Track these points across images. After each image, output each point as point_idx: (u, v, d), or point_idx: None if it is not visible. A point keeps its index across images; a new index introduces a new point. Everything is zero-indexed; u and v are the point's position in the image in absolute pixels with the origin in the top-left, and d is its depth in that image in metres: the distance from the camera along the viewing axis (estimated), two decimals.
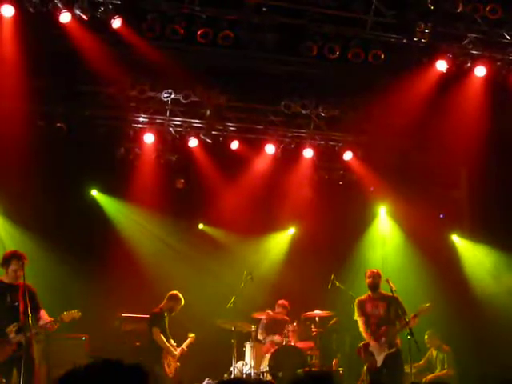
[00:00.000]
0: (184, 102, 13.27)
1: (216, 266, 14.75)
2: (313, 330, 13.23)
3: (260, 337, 13.38)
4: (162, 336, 11.65)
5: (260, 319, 13.53)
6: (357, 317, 10.77)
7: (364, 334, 10.62)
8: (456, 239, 15.90)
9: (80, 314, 9.55)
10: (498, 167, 14.46)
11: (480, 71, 12.57)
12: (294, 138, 14.81)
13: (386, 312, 10.54)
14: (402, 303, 10.59)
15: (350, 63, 12.03)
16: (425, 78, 12.69)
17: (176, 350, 11.94)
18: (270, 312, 13.49)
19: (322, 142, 14.98)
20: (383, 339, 10.36)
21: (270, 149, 14.63)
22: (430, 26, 11.84)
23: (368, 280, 10.78)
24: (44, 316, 9.52)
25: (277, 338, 13.12)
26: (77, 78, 12.49)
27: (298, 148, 14.91)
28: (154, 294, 12.83)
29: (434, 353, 13.52)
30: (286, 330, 12.99)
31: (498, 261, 14.66)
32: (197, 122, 14.05)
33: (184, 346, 12.18)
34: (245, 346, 12.98)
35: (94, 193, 14.81)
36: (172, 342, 11.91)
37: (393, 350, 10.37)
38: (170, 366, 11.66)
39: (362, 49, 11.97)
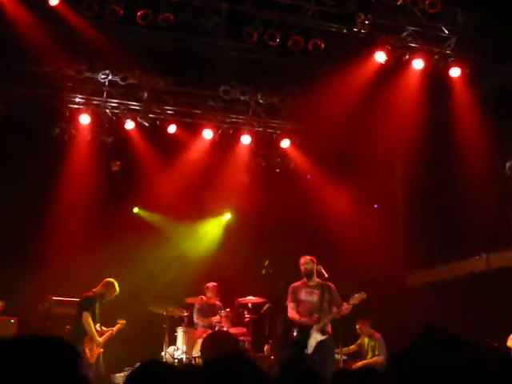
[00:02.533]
0: (122, 83, 13.16)
1: (150, 251, 14.64)
2: (246, 315, 13.25)
3: (195, 321, 13.33)
4: (90, 321, 11.48)
5: (193, 304, 13.48)
6: (288, 302, 10.78)
7: (293, 317, 10.62)
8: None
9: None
10: (432, 159, 14.66)
11: (418, 64, 12.73)
12: (232, 124, 14.81)
13: (320, 299, 10.58)
14: (337, 291, 10.66)
15: (290, 51, 12.05)
16: (364, 68, 12.80)
17: (102, 336, 11.75)
18: (204, 297, 13.46)
19: (260, 129, 15.01)
20: (315, 326, 10.42)
21: (207, 134, 14.59)
22: (370, 18, 11.93)
23: (303, 267, 10.79)
24: None
25: (210, 322, 13.08)
26: (11, 56, 12.21)
27: (236, 134, 14.91)
28: (86, 277, 12.65)
29: (366, 340, 13.67)
30: (218, 316, 12.97)
31: (429, 251, 14.88)
32: (134, 105, 13.93)
33: (111, 330, 11.97)
34: (177, 331, 12.92)
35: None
36: (98, 327, 11.71)
37: (324, 337, 10.44)
38: (92, 352, 11.46)
39: (302, 37, 12.00)
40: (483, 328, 11.59)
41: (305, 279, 10.77)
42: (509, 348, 11.12)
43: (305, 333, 10.45)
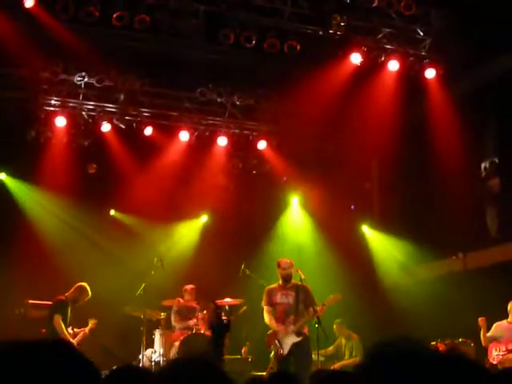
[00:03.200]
0: (98, 85, 13.10)
1: (127, 253, 14.59)
2: (223, 317, 13.22)
3: (173, 324, 13.30)
4: (62, 324, 11.42)
5: (170, 307, 13.45)
6: (264, 305, 10.77)
7: (268, 322, 10.63)
8: (366, 230, 16.13)
9: None
10: (408, 160, 14.74)
11: (393, 65, 12.80)
12: (209, 126, 14.80)
13: (295, 301, 10.57)
14: (312, 293, 10.67)
15: (267, 53, 12.07)
16: (339, 70, 12.85)
17: (74, 339, 11.68)
18: (181, 300, 13.44)
19: (237, 131, 15.01)
20: (291, 327, 10.42)
21: (183, 136, 14.57)
22: (345, 19, 12.00)
23: (282, 271, 10.73)
24: None
25: (188, 324, 13.07)
26: None
27: (213, 136, 14.90)
28: (62, 280, 12.58)
29: (343, 341, 13.72)
30: (195, 318, 12.96)
31: (406, 252, 14.95)
32: (110, 107, 13.89)
33: (84, 331, 11.90)
34: (154, 334, 12.89)
35: (2, 176, 14.44)
36: (69, 330, 11.65)
37: (300, 338, 10.44)
38: None
39: (278, 39, 12.03)
40: (459, 327, 11.67)
41: (282, 282, 10.76)
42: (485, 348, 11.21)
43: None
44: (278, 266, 10.78)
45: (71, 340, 11.43)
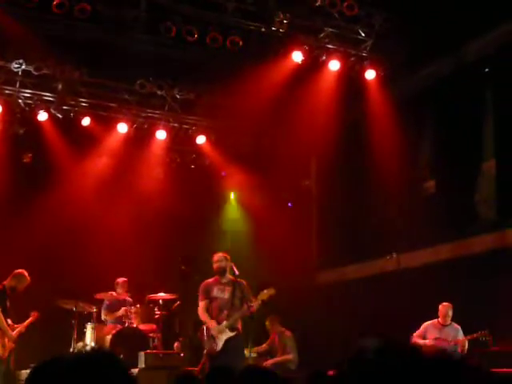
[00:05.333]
0: (35, 73, 12.84)
1: (61, 244, 14.37)
2: (156, 312, 13.17)
3: (103, 317, 13.18)
4: (1, 315, 11.21)
5: (102, 300, 13.31)
6: (200, 300, 10.72)
7: (202, 317, 10.58)
8: None
9: None
10: (346, 159, 14.87)
11: (334, 65, 12.88)
12: (148, 119, 14.69)
13: (231, 296, 10.55)
14: (248, 289, 10.66)
15: (208, 47, 12.04)
16: (281, 67, 12.89)
17: (13, 331, 11.52)
18: (114, 293, 13.31)
19: (176, 125, 14.93)
20: (225, 323, 10.41)
21: (122, 128, 14.41)
22: (288, 17, 12.02)
23: (216, 264, 10.71)
24: None
25: (117, 317, 12.95)
26: None
27: (151, 129, 14.80)
28: None
29: (277, 337, 13.76)
30: (128, 312, 12.85)
31: (341, 250, 15.09)
32: (48, 96, 13.65)
33: (24, 324, 11.75)
34: (86, 327, 12.73)
35: None
36: (10, 321, 11.48)
37: (233, 333, 10.43)
38: (5, 347, 11.21)
39: (220, 34, 12.01)
40: (391, 325, 11.80)
41: (217, 276, 10.72)
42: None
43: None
44: (213, 259, 10.76)
45: (10, 333, 11.22)
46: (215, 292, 10.61)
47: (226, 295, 10.56)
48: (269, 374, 4.58)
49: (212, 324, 10.40)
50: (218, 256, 10.76)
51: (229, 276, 10.70)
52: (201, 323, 10.68)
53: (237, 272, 10.60)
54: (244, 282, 10.65)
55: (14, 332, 11.39)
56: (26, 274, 11.58)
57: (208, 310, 10.57)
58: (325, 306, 14.58)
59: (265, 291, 10.56)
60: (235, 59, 12.58)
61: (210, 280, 10.77)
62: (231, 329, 10.41)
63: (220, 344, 10.34)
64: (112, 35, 11.99)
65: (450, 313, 11.24)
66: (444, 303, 11.28)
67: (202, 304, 10.62)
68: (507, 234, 12.04)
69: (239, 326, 10.57)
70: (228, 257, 10.80)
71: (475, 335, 10.95)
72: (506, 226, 12.05)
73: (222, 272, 10.66)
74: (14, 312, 11.55)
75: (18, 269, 11.61)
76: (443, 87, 12.99)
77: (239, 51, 12.23)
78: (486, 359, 10.61)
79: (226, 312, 10.46)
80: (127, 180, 15.04)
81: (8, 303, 11.38)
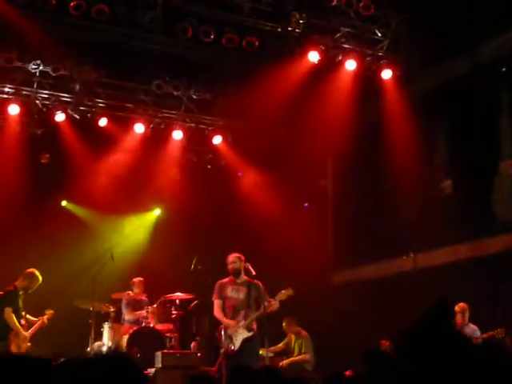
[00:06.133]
0: (53, 74, 12.92)
1: (78, 245, 14.46)
2: (173, 312, 13.19)
3: (126, 317, 13.21)
4: (13, 316, 11.26)
5: (120, 300, 13.36)
6: (214, 299, 10.75)
7: (218, 317, 10.60)
8: None
9: None
10: (363, 159, 14.84)
11: (350, 65, 12.87)
12: (164, 119, 14.72)
13: (247, 297, 10.56)
14: (264, 289, 10.66)
15: (225, 48, 12.06)
16: (297, 67, 12.89)
17: (30, 329, 11.59)
18: (131, 293, 13.36)
19: (193, 125, 14.96)
20: (242, 323, 10.42)
21: (138, 128, 14.46)
22: (304, 17, 12.04)
23: (230, 265, 10.73)
24: None
25: (137, 317, 13.01)
26: None
27: (168, 129, 14.83)
28: (12, 271, 12.40)
29: (293, 338, 13.76)
30: (145, 312, 12.90)
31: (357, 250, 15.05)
32: (65, 96, 13.71)
33: (41, 320, 11.79)
34: (103, 327, 12.79)
35: None
36: (22, 321, 11.52)
37: (250, 334, 10.45)
38: (20, 348, 11.25)
39: (236, 34, 12.04)
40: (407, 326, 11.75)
41: (232, 277, 10.75)
42: None
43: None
44: (227, 260, 10.78)
45: (23, 333, 11.30)
46: (229, 292, 10.63)
47: (241, 296, 10.58)
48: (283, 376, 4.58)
49: (230, 323, 10.43)
50: (232, 257, 10.78)
51: (244, 277, 10.72)
52: (217, 323, 10.70)
53: (253, 272, 10.62)
54: (260, 283, 10.66)
55: (29, 331, 11.46)
56: (38, 273, 11.64)
57: (222, 309, 10.61)
58: (341, 306, 14.55)
59: (283, 291, 10.57)
60: (251, 60, 12.60)
61: (225, 280, 10.80)
62: (248, 329, 10.44)
63: (237, 344, 10.36)
64: (129, 36, 12.06)
65: (467, 313, 11.22)
66: (460, 304, 11.25)
67: (216, 303, 10.66)
68: None
69: (255, 326, 10.59)
70: (242, 257, 10.80)
71: (491, 333, 10.93)
72: None
73: (236, 273, 10.68)
74: (28, 311, 11.62)
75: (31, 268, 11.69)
76: (459, 87, 12.93)
77: (255, 52, 12.25)
78: None
79: (243, 312, 10.47)
80: (144, 180, 15.07)
81: (21, 303, 11.45)
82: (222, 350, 10.50)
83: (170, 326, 13.06)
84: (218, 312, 10.61)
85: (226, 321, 10.49)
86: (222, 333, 10.51)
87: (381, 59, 13.02)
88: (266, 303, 10.37)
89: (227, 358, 10.33)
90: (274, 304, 10.41)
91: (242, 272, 10.73)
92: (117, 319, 13.10)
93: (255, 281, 10.62)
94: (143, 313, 12.94)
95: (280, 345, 13.72)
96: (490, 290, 11.72)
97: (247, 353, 10.36)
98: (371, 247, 14.74)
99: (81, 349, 12.18)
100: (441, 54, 12.62)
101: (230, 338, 10.41)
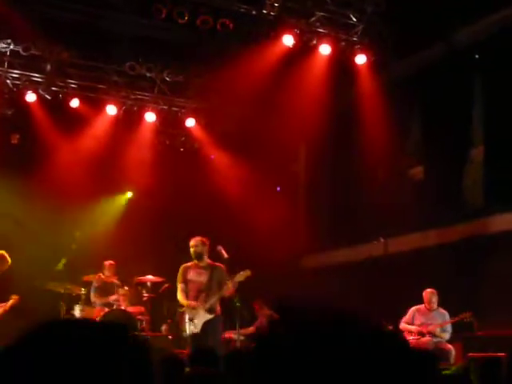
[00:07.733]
0: (24, 54, 12.76)
1: (47, 227, 14.33)
2: (144, 294, 13.19)
3: (93, 300, 13.17)
4: None
5: (91, 282, 13.30)
6: (178, 282, 10.77)
7: (181, 300, 10.65)
8: None
9: None
10: (336, 143, 14.88)
11: (325, 49, 12.85)
12: (137, 101, 14.63)
13: (209, 280, 10.57)
14: (225, 272, 10.64)
15: (199, 30, 11.99)
16: (271, 51, 12.85)
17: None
18: (102, 275, 13.30)
19: (165, 107, 14.88)
20: (203, 305, 10.46)
21: (111, 110, 14.36)
22: (279, 0, 11.97)
23: (192, 249, 10.72)
24: None
25: (108, 300, 12.97)
26: None
27: (140, 111, 14.74)
28: None
29: (264, 320, 13.78)
30: (116, 294, 12.86)
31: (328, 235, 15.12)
32: (36, 77, 13.57)
33: (4, 306, 11.69)
34: (74, 309, 12.72)
35: None
36: None
37: (212, 315, 10.49)
38: None
39: (211, 16, 11.95)
40: (378, 310, 11.87)
41: (195, 260, 10.76)
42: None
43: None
44: (190, 243, 10.79)
45: None
46: (191, 275, 10.66)
47: (204, 279, 10.60)
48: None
49: (191, 304, 10.47)
50: (194, 240, 10.76)
51: (207, 260, 10.73)
52: (181, 306, 10.75)
53: (226, 255, 10.64)
54: (222, 266, 10.68)
55: None
56: (7, 255, 11.54)
57: (186, 293, 10.65)
58: (311, 290, 14.61)
59: (241, 273, 10.59)
60: (226, 42, 12.54)
61: (189, 263, 10.81)
62: (209, 311, 10.48)
63: (199, 326, 10.42)
64: (102, 17, 11.95)
65: (434, 298, 11.31)
66: (427, 289, 11.35)
67: (180, 286, 10.70)
68: (494, 219, 12.11)
69: (218, 308, 10.62)
70: (206, 241, 10.79)
71: (458, 317, 11.06)
72: (493, 212, 12.12)
73: (198, 256, 10.68)
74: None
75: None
76: (433, 73, 13.00)
77: (230, 34, 12.18)
78: (471, 344, 10.72)
79: (203, 295, 10.51)
80: (116, 162, 14.97)
81: None
82: (186, 333, 10.58)
83: (142, 309, 13.04)
84: (180, 295, 10.66)
85: (187, 302, 10.53)
86: (184, 316, 10.58)
87: (355, 44, 13.00)
88: (227, 286, 10.44)
89: (192, 340, 10.44)
90: (230, 286, 10.45)
91: (205, 255, 10.73)
92: (88, 302, 13.04)
93: (218, 264, 10.66)
94: (112, 297, 12.89)
95: (251, 328, 13.76)
96: (460, 274, 11.84)
97: (210, 335, 10.42)
98: (342, 232, 14.82)
99: None
100: (415, 40, 12.65)
101: (191, 321, 10.46)
